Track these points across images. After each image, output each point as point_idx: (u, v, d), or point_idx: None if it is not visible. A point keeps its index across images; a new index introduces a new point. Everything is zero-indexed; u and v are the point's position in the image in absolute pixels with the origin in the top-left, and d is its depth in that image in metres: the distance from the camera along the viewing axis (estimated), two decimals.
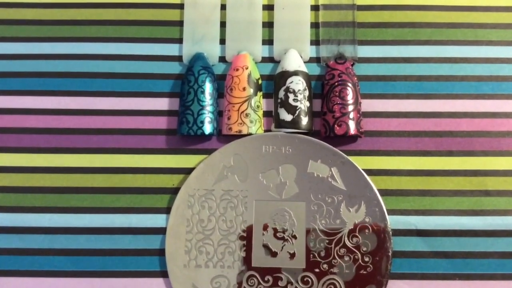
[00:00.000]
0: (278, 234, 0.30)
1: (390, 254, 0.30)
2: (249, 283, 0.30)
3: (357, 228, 0.30)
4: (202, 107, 0.31)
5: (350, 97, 0.32)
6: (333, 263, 0.30)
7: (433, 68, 0.33)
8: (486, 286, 0.30)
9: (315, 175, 0.31)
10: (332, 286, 0.29)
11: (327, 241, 0.30)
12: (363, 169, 0.31)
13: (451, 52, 0.33)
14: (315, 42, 0.34)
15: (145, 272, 0.30)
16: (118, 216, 0.31)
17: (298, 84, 0.32)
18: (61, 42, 0.33)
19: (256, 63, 0.33)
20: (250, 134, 0.32)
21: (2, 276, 0.30)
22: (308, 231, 0.30)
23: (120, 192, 0.31)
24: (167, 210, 0.31)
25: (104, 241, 0.31)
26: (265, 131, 0.32)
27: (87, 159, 0.32)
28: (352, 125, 0.31)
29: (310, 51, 0.34)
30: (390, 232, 0.30)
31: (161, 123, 0.32)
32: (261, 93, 0.33)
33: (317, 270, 0.30)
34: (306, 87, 0.32)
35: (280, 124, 0.32)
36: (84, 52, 0.33)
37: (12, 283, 0.30)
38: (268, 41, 0.34)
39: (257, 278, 0.30)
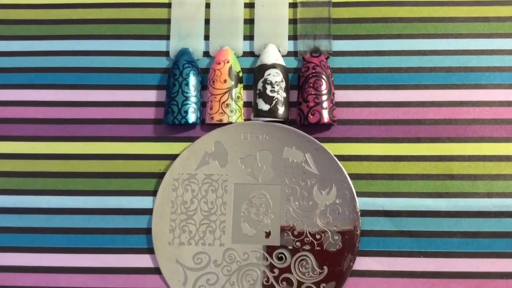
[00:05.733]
0: (255, 215, 0.33)
1: (358, 233, 0.32)
2: (227, 259, 0.32)
3: (328, 209, 0.32)
4: (186, 98, 0.34)
5: (323, 88, 0.34)
6: (305, 241, 0.32)
7: (404, 60, 0.35)
8: (449, 263, 0.32)
9: (290, 160, 0.33)
10: (304, 262, 0.32)
11: (300, 221, 0.32)
12: (335, 155, 0.33)
13: (422, 45, 0.35)
14: (293, 37, 0.36)
15: (133, 249, 0.33)
16: (109, 198, 0.34)
17: (275, 76, 0.34)
18: (58, 40, 0.36)
19: (237, 57, 0.36)
20: (230, 123, 0.34)
21: (5, 252, 0.33)
22: (282, 212, 0.33)
23: (112, 177, 0.34)
24: (153, 193, 0.34)
25: (96, 221, 0.33)
26: (245, 120, 0.35)
27: (82, 146, 0.35)
28: (325, 114, 0.34)
29: (288, 45, 0.36)
30: (359, 213, 0.32)
31: (149, 113, 0.35)
32: (241, 85, 0.35)
33: (290, 247, 0.32)
34: (283, 79, 0.34)
35: (258, 113, 0.34)
36: (79, 49, 0.36)
37: (14, 258, 0.33)
38: (249, 37, 0.36)
39: (234, 255, 0.32)
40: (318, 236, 0.32)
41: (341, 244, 0.32)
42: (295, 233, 0.32)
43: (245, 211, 0.33)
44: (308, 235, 0.32)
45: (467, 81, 0.35)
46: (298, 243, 0.32)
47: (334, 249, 0.32)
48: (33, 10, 0.37)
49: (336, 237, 0.32)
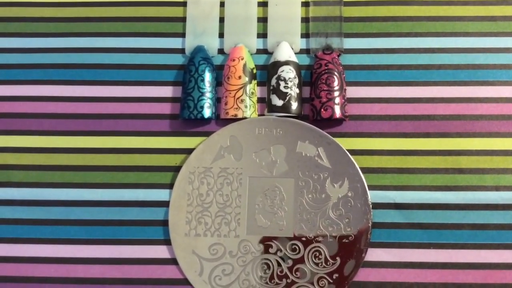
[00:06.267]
0: (269, 207, 0.34)
1: (370, 225, 0.33)
2: (242, 250, 0.33)
3: (340, 202, 0.33)
4: (202, 94, 0.35)
5: (335, 84, 0.35)
6: (318, 233, 0.33)
7: (413, 57, 0.36)
8: (458, 255, 0.33)
9: (303, 154, 0.34)
10: (317, 253, 0.33)
11: (313, 213, 0.33)
12: (347, 149, 0.34)
13: (430, 43, 0.36)
14: (305, 35, 0.37)
15: (150, 240, 0.34)
16: (127, 191, 0.35)
17: (288, 72, 0.35)
18: (76, 37, 0.37)
19: (251, 54, 0.37)
20: (245, 118, 0.35)
21: (25, 243, 0.34)
22: (296, 204, 0.33)
23: (129, 170, 0.35)
24: (170, 186, 0.35)
25: (114, 213, 0.34)
26: (259, 115, 0.36)
27: (99, 140, 0.35)
28: (337, 109, 0.34)
29: (301, 43, 0.37)
30: (370, 205, 0.33)
31: (165, 108, 0.36)
32: (255, 81, 0.36)
33: (304, 239, 0.33)
34: (296, 76, 0.35)
35: (272, 108, 0.35)
36: (97, 46, 0.37)
37: (34, 249, 0.34)
38: (263, 35, 0.37)
39: (249, 246, 0.33)
40: (330, 228, 0.33)
41: (353, 236, 0.33)
42: (309, 225, 0.33)
43: (260, 204, 0.34)
44: (321, 227, 0.33)
45: (474, 78, 0.36)
46: (311, 235, 0.33)
47: (346, 241, 0.33)
48: (52, 8, 0.38)
49: (348, 229, 0.33)
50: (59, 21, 0.38)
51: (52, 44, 0.37)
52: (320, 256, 0.33)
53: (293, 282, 0.33)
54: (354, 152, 0.35)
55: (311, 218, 0.33)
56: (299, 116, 0.35)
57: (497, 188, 0.34)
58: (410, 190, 0.34)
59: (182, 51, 0.37)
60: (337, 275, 0.32)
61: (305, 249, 0.33)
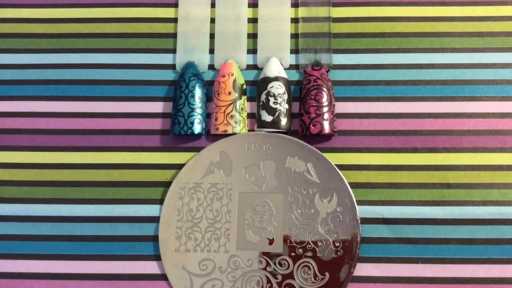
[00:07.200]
0: (258, 222, 0.34)
1: (358, 240, 0.33)
2: (232, 265, 0.33)
3: (329, 217, 0.34)
4: (192, 110, 0.35)
5: (324, 100, 0.35)
6: (307, 248, 0.33)
7: (401, 73, 0.37)
8: (446, 269, 0.33)
9: (292, 169, 0.35)
10: (306, 268, 0.33)
11: (302, 228, 0.34)
12: (336, 165, 0.35)
13: (418, 59, 0.37)
14: (295, 51, 0.37)
15: (140, 255, 0.34)
16: (117, 207, 0.35)
17: (278, 88, 0.36)
18: (69, 53, 0.37)
19: (241, 70, 0.37)
20: (235, 134, 0.35)
21: (16, 259, 0.34)
22: (285, 220, 0.34)
23: (119, 186, 0.35)
24: (160, 201, 0.35)
25: (105, 229, 0.34)
26: (249, 130, 0.36)
27: (90, 156, 0.36)
28: (326, 125, 0.35)
29: (290, 59, 0.37)
30: (359, 220, 0.34)
31: (156, 124, 0.36)
32: (245, 97, 0.36)
33: (293, 254, 0.33)
34: (286, 91, 0.36)
35: (262, 124, 0.35)
36: (89, 62, 0.37)
37: (25, 265, 0.34)
38: (253, 50, 0.37)
39: (239, 261, 0.33)
40: (319, 243, 0.33)
41: (342, 251, 0.33)
42: (298, 240, 0.33)
43: (249, 219, 0.34)
44: (310, 242, 0.33)
45: (462, 93, 0.36)
46: (300, 250, 0.33)
47: (335, 256, 0.33)
48: (44, 24, 0.38)
49: (337, 244, 0.33)
50: (51, 37, 0.38)
51: (44, 60, 0.37)
52: (309, 272, 0.33)
53: None
54: (342, 167, 0.35)
55: (300, 233, 0.34)
56: (288, 131, 0.35)
57: (484, 203, 0.34)
58: (398, 205, 0.34)
59: (173, 67, 0.37)
60: None
61: (294, 264, 0.33)
